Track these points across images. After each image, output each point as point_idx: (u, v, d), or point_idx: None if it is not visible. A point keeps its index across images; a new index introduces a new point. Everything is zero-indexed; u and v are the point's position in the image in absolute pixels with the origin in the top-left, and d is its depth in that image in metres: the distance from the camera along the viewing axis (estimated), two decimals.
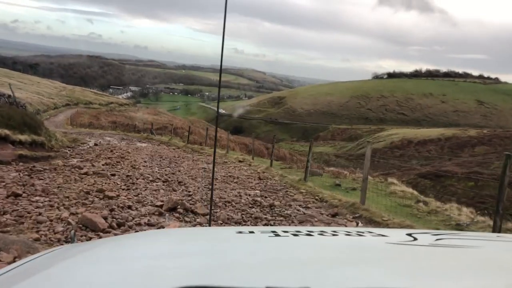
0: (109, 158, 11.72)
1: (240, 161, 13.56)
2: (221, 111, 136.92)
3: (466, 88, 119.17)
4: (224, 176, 10.01)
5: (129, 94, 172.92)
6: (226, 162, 13.30)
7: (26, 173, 7.51)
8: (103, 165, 9.78)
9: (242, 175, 10.44)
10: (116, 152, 13.69)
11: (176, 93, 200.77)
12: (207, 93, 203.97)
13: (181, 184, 8.39)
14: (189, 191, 7.60)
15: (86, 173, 7.73)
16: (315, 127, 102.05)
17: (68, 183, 6.70)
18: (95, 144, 16.08)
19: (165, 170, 10.24)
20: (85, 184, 6.75)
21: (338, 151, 76.80)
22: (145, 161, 11.73)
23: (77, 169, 8.18)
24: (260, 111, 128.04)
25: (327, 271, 0.76)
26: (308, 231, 1.16)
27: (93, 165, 9.29)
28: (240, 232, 1.15)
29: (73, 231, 1.57)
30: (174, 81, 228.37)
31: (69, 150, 13.71)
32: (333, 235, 1.13)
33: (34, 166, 7.90)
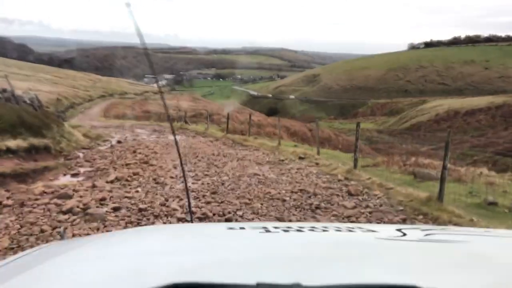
0: (127, 165, 8.61)
1: (301, 158, 10.01)
2: (254, 93, 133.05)
3: (511, 52, 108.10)
4: (292, 192, 6.52)
5: (164, 82, 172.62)
6: (283, 160, 9.77)
7: None
8: (111, 182, 6.59)
9: (319, 187, 6.86)
10: (140, 152, 10.63)
11: (209, 78, 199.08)
12: (239, 76, 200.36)
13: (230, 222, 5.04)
14: None
15: (70, 211, 4.51)
16: (352, 103, 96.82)
17: (17, 247, 3.48)
18: (118, 142, 13.22)
19: (202, 184, 6.94)
20: None
21: (380, 127, 71.64)
22: (175, 167, 8.52)
23: (62, 200, 4.98)
24: (295, 90, 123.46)
25: (318, 267, 0.77)
26: (298, 227, 1.14)
27: (94, 186, 6.11)
28: (231, 228, 1.13)
29: (62, 228, 1.22)
30: (207, 66, 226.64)
31: (82, 153, 10.82)
32: (324, 230, 1.11)
33: None
